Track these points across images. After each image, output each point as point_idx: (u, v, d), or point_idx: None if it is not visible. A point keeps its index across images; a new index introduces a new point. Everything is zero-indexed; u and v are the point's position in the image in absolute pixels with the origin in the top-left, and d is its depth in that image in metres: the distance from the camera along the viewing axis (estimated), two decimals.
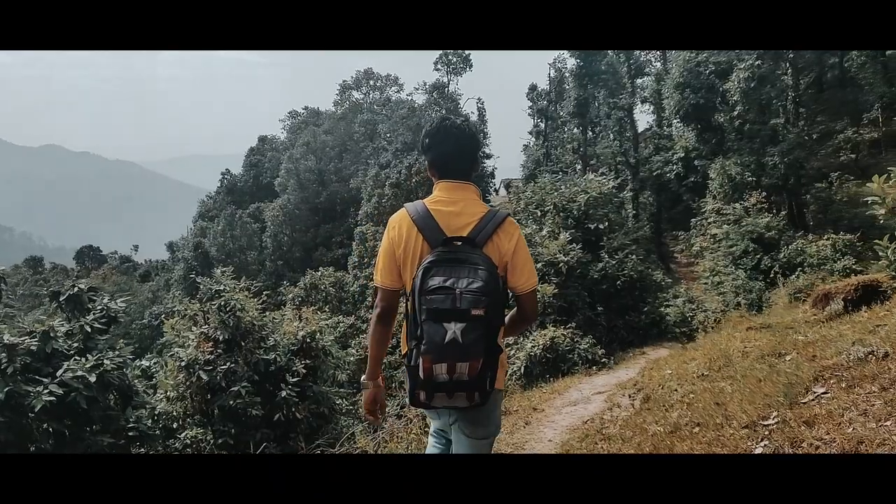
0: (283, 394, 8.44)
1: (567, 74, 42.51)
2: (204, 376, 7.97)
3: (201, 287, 8.86)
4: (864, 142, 31.09)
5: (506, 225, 2.36)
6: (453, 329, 2.06)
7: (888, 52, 39.66)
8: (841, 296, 7.82)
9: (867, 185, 6.79)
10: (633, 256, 12.18)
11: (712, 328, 17.68)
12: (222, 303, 8.60)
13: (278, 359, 8.86)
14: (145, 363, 8.77)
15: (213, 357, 8.36)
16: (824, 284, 8.20)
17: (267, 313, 9.96)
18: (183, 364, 8.11)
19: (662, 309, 13.97)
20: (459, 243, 2.26)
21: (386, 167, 40.80)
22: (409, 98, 50.88)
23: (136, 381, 8.20)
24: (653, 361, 9.22)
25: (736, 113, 22.06)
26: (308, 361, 9.34)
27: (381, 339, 2.51)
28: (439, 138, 2.48)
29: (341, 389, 11.11)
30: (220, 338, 8.45)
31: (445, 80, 48.91)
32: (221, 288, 8.80)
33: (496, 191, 51.43)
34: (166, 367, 8.42)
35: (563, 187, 13.93)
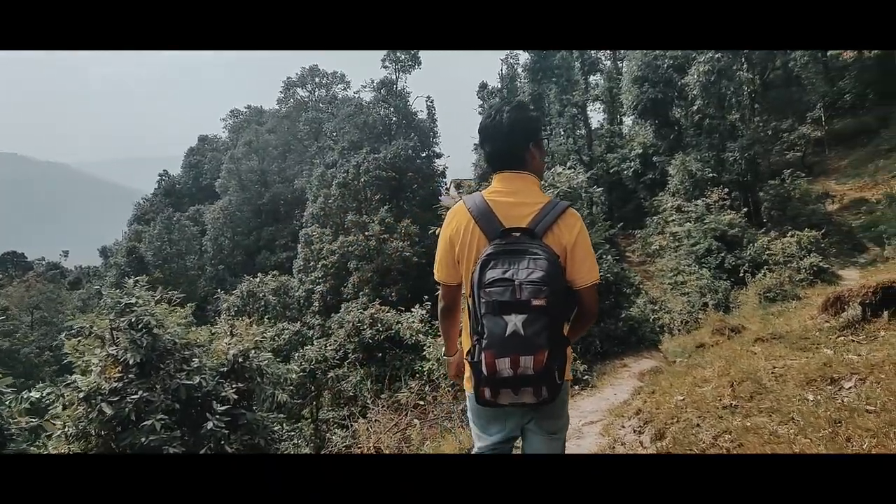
0: (210, 425, 6.96)
1: (520, 70, 41.81)
2: (108, 409, 6.44)
3: (107, 300, 7.37)
4: (810, 140, 31.36)
5: (567, 215, 2.25)
6: (514, 321, 2.01)
7: (830, 53, 40.72)
8: (858, 300, 6.94)
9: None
10: (609, 257, 11.21)
11: (679, 331, 17.06)
12: (133, 319, 7.10)
13: (204, 383, 7.37)
14: (35, 394, 7.17)
15: (121, 385, 6.85)
16: (835, 288, 7.35)
17: (194, 329, 8.48)
18: (82, 395, 6.58)
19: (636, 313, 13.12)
20: (518, 234, 2.18)
21: (332, 166, 40.05)
22: (357, 96, 49.29)
23: (18, 417, 6.62)
24: (645, 378, 8.22)
25: (695, 108, 21.56)
26: (240, 385, 7.92)
27: (450, 326, 2.57)
28: (488, 133, 2.38)
29: (280, 415, 9.74)
30: (132, 361, 6.93)
31: (394, 77, 47.49)
32: (133, 301, 7.28)
33: (447, 190, 50.47)
34: (63, 398, 6.82)
35: None
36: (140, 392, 6.87)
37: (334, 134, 44.58)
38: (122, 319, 7.10)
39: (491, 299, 2.03)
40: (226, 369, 8.17)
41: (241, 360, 8.36)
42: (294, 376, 16.00)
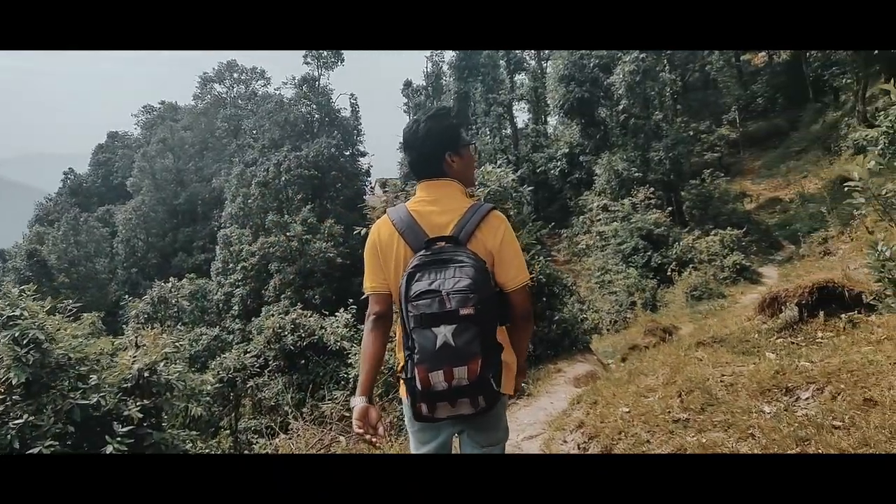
0: (110, 449, 6.12)
1: (445, 68, 41.46)
2: None
3: None
4: (727, 142, 32.38)
5: (490, 218, 2.20)
6: (444, 333, 1.95)
7: (742, 57, 42.38)
8: (794, 300, 6.78)
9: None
10: (541, 257, 10.82)
11: (608, 330, 16.99)
12: (17, 334, 6.16)
13: (103, 402, 6.49)
14: None
15: (2, 409, 5.92)
16: (771, 288, 7.18)
17: (95, 340, 7.53)
18: None
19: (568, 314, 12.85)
20: (443, 243, 2.12)
21: (252, 165, 39.08)
22: (277, 92, 47.80)
23: None
24: (581, 383, 7.82)
25: (621, 107, 21.68)
26: (146, 402, 7.05)
27: (374, 352, 2.28)
28: (408, 143, 2.34)
29: (194, 431, 8.86)
30: (15, 381, 6.00)
31: (316, 73, 46.25)
32: (17, 313, 6.33)
33: (371, 190, 49.69)
34: None
35: None
36: (25, 416, 5.97)
37: (254, 131, 43.15)
38: (3, 334, 6.15)
39: (418, 312, 1.98)
40: (129, 385, 7.28)
41: (147, 374, 7.45)
42: (210, 387, 15.02)
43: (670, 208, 21.39)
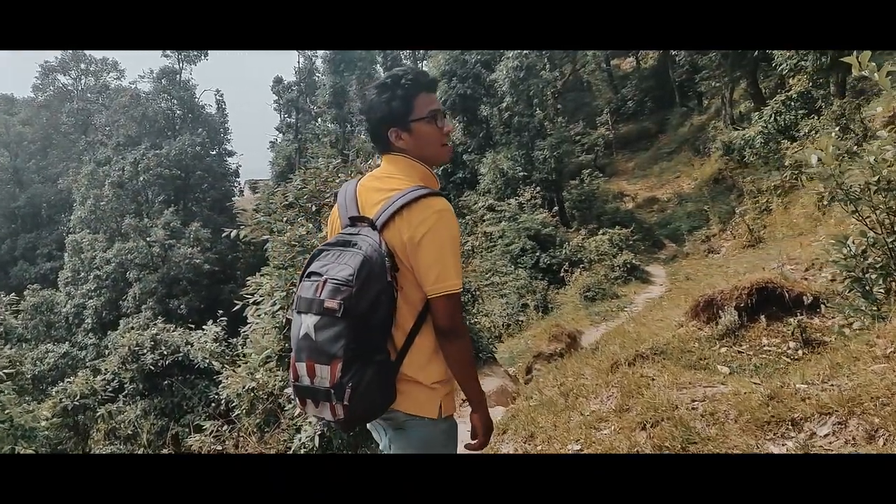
0: None
1: (319, 62, 39.70)
2: None
3: None
4: (604, 143, 33.06)
5: (415, 207, 1.86)
6: (307, 322, 1.81)
7: (612, 62, 43.84)
8: (732, 304, 6.14)
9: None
10: None
11: (502, 334, 16.28)
12: None
13: None
14: None
15: None
16: (704, 290, 6.50)
17: None
18: None
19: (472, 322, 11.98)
20: (364, 224, 1.91)
21: (105, 164, 35.77)
22: (133, 86, 43.92)
23: None
24: (494, 402, 6.84)
25: (504, 104, 21.14)
26: None
27: None
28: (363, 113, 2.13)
29: None
30: None
31: (177, 66, 42.84)
32: None
33: (241, 191, 46.95)
34: None
35: (342, 175, 11.27)
36: None
37: (107, 127, 39.41)
38: None
39: (299, 294, 1.86)
40: None
41: None
42: (45, 424, 12.77)
43: (556, 208, 21.11)
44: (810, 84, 15.96)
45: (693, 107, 32.84)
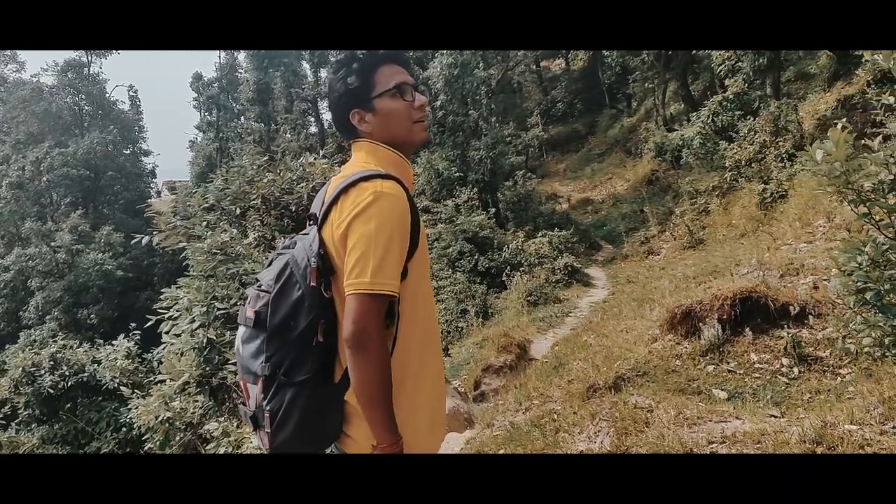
0: None
1: (242, 57, 38.00)
2: None
3: None
4: (537, 144, 32.90)
5: (351, 192, 1.59)
6: (237, 335, 1.67)
7: (542, 63, 43.91)
8: (713, 316, 5.57)
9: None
10: None
11: (442, 340, 15.55)
12: None
13: None
14: None
15: None
16: (681, 302, 5.87)
17: None
18: None
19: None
20: (311, 222, 1.74)
21: (2, 163, 32.91)
22: (35, 79, 40.82)
23: None
24: (449, 431, 6.07)
25: (439, 103, 20.42)
26: None
27: None
28: None
29: None
30: None
31: (84, 59, 40.13)
32: None
33: (158, 193, 44.62)
34: None
35: (270, 175, 10.26)
36: None
37: (4, 124, 36.46)
38: None
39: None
40: None
41: None
42: None
43: (493, 209, 20.57)
44: (746, 85, 15.94)
45: (623, 108, 33.13)
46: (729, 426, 3.49)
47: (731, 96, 16.02)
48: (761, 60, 14.89)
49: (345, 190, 1.60)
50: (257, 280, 1.68)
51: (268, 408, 1.58)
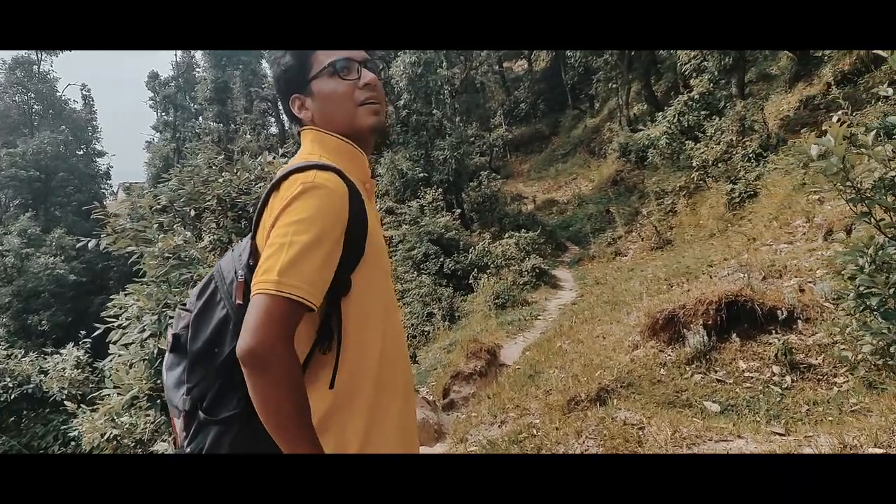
0: None
1: (199, 56, 37.11)
2: None
3: None
4: (500, 144, 32.76)
5: (282, 186, 1.33)
6: (164, 360, 1.43)
7: (505, 64, 43.84)
8: (698, 321, 5.33)
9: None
10: None
11: (408, 345, 15.20)
12: None
13: None
14: None
15: None
16: (662, 306, 5.61)
17: None
18: None
19: None
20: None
21: None
22: None
23: None
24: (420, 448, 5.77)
25: (402, 102, 20.05)
26: None
27: None
28: None
29: None
30: None
31: (34, 57, 38.71)
32: None
33: (114, 194, 43.32)
34: None
35: (226, 175, 9.76)
36: None
37: None
38: None
39: None
40: None
41: None
42: None
43: (458, 210, 20.28)
44: (711, 85, 15.95)
45: (586, 109, 33.18)
46: (732, 446, 3.22)
47: (696, 96, 16.00)
48: (727, 60, 14.89)
49: (276, 186, 1.35)
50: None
51: (188, 450, 1.36)
